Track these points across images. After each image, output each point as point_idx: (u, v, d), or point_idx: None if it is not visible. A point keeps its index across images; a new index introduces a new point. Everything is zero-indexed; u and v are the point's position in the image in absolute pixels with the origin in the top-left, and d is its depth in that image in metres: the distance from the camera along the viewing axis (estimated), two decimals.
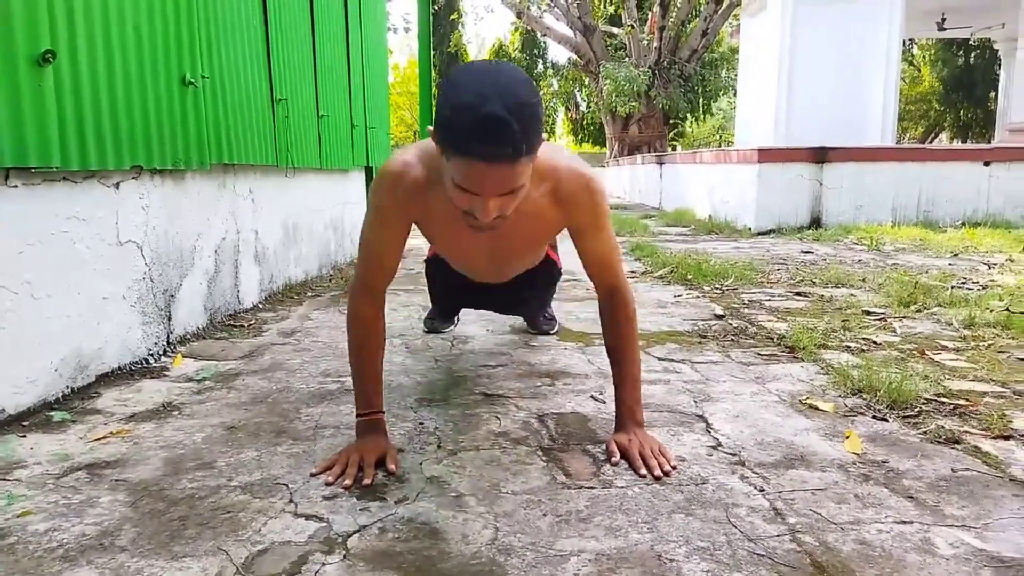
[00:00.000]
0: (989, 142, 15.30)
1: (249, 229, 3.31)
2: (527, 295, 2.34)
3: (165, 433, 1.74)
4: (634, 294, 1.69)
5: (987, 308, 3.03)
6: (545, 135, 1.31)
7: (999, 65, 15.26)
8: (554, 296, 2.70)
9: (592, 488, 1.43)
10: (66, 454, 1.60)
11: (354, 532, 1.26)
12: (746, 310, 3.20)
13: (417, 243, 6.50)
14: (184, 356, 2.44)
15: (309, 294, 3.74)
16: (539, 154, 1.32)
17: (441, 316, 2.75)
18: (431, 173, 1.46)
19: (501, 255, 1.76)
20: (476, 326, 2.88)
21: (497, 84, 1.19)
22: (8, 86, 1.73)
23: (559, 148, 1.58)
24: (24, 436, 1.71)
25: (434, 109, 1.29)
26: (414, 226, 1.61)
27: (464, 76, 1.23)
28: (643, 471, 1.49)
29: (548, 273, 2.27)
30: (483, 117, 1.16)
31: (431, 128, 1.29)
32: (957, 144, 19.36)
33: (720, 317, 3.05)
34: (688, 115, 19.52)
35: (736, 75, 13.73)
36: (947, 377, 2.15)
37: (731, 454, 1.61)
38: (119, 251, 2.26)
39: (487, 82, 1.19)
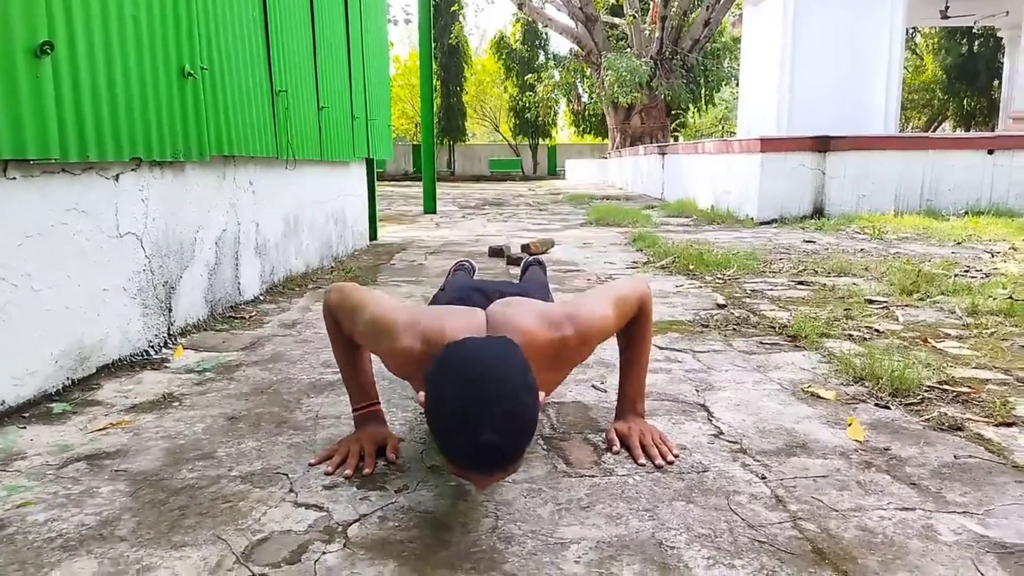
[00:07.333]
0: (993, 130, 15.25)
1: (250, 221, 3.30)
2: None
3: (166, 424, 1.74)
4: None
5: (990, 296, 3.02)
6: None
7: (1003, 53, 15.19)
8: (553, 288, 2.69)
9: (593, 476, 1.43)
10: (66, 445, 1.60)
11: (354, 521, 1.26)
12: (748, 299, 3.19)
13: (417, 235, 6.49)
14: (185, 347, 2.44)
15: (310, 286, 3.73)
16: (518, 341, 1.27)
17: None
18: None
19: None
20: None
21: (485, 398, 1.10)
22: (5, 78, 1.72)
23: (525, 314, 1.42)
24: (24, 427, 1.71)
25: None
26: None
27: (449, 386, 1.13)
28: (642, 459, 1.49)
29: None
30: (475, 446, 1.09)
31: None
32: (960, 133, 19.26)
33: (722, 306, 3.04)
34: (690, 105, 19.45)
35: (739, 65, 13.66)
36: (949, 365, 2.14)
37: (733, 442, 1.60)
38: (119, 243, 2.26)
39: (474, 396, 1.10)
